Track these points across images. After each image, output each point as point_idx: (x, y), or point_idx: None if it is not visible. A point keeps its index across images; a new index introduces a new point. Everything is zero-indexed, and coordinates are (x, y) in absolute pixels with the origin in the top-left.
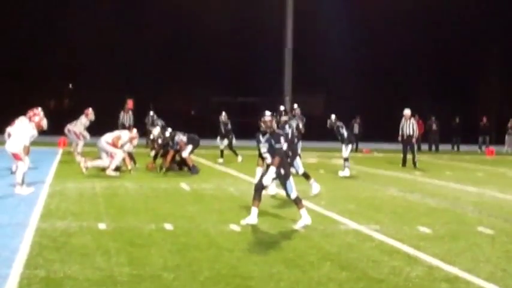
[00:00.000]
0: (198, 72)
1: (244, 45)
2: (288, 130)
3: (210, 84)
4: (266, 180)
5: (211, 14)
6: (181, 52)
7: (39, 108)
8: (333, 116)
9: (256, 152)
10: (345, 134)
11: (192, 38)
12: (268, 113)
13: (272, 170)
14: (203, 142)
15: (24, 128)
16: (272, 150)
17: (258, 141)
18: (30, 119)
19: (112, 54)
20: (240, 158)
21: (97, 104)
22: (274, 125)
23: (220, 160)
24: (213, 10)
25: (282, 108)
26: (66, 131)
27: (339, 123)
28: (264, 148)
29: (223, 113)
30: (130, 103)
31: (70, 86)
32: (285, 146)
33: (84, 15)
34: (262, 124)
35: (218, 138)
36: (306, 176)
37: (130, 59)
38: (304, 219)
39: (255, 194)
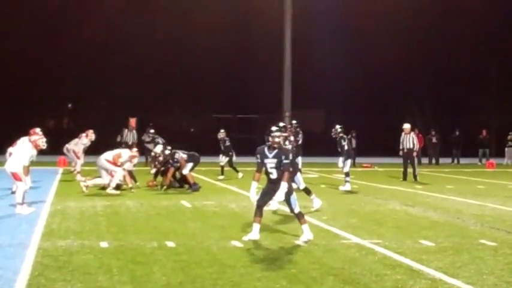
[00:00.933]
0: (197, 90)
1: (243, 62)
2: (288, 146)
3: (210, 101)
4: (279, 197)
5: (211, 31)
6: (181, 70)
7: (38, 129)
8: (338, 126)
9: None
10: (346, 146)
11: (192, 55)
12: (275, 128)
13: (285, 185)
14: (203, 159)
15: (23, 148)
16: (280, 166)
17: (264, 156)
18: (29, 139)
19: (111, 73)
20: (240, 175)
21: (96, 124)
22: (282, 141)
23: (221, 177)
24: (212, 27)
25: (281, 124)
26: (65, 150)
27: (343, 135)
28: (272, 163)
29: (221, 131)
30: (133, 122)
31: (69, 105)
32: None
33: (83, 34)
34: (270, 139)
35: (220, 155)
36: (307, 191)
37: (130, 77)
38: (306, 235)
39: (257, 210)
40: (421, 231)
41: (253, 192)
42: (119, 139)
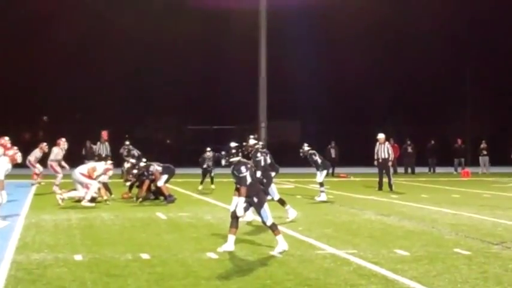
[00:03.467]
0: (173, 101)
1: (219, 73)
2: (261, 157)
3: (186, 112)
4: (238, 211)
5: (186, 43)
6: (156, 81)
7: (7, 138)
8: (305, 145)
9: (233, 180)
10: (319, 160)
11: (167, 67)
12: (233, 144)
13: (241, 200)
14: (179, 171)
15: None
16: (238, 181)
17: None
18: (4, 153)
19: (86, 86)
20: (213, 186)
21: (71, 136)
22: (236, 158)
23: (200, 187)
24: (187, 39)
25: (251, 137)
26: (27, 162)
27: (311, 151)
28: (234, 179)
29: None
30: (105, 134)
31: (44, 118)
32: (258, 174)
33: (57, 46)
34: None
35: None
36: (282, 202)
37: (105, 90)
38: (281, 245)
39: (232, 222)
40: (396, 241)
41: (241, 207)
42: (83, 152)
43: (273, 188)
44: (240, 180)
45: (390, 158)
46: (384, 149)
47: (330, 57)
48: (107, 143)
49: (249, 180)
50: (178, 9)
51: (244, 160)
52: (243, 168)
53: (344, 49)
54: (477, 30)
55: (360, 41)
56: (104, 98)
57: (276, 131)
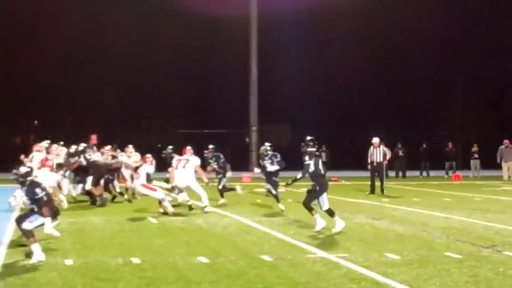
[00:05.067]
0: (164, 105)
1: (210, 77)
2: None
3: (176, 117)
4: (28, 225)
5: (178, 47)
6: (147, 85)
7: None
8: (267, 144)
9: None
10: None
11: (158, 70)
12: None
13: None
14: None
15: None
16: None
17: None
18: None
19: (77, 90)
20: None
21: (63, 140)
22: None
23: (222, 200)
24: (179, 43)
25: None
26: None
27: (272, 153)
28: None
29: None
30: (94, 138)
31: (35, 122)
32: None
33: (49, 51)
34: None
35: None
36: (331, 212)
37: (96, 94)
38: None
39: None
40: (387, 245)
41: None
42: None
43: (324, 198)
44: (38, 202)
45: (388, 157)
46: (379, 152)
47: (321, 61)
48: (94, 147)
49: (45, 198)
50: (169, 13)
51: (36, 181)
52: (37, 190)
53: (335, 53)
54: (469, 35)
55: (351, 45)
56: (95, 102)
57: (267, 135)
